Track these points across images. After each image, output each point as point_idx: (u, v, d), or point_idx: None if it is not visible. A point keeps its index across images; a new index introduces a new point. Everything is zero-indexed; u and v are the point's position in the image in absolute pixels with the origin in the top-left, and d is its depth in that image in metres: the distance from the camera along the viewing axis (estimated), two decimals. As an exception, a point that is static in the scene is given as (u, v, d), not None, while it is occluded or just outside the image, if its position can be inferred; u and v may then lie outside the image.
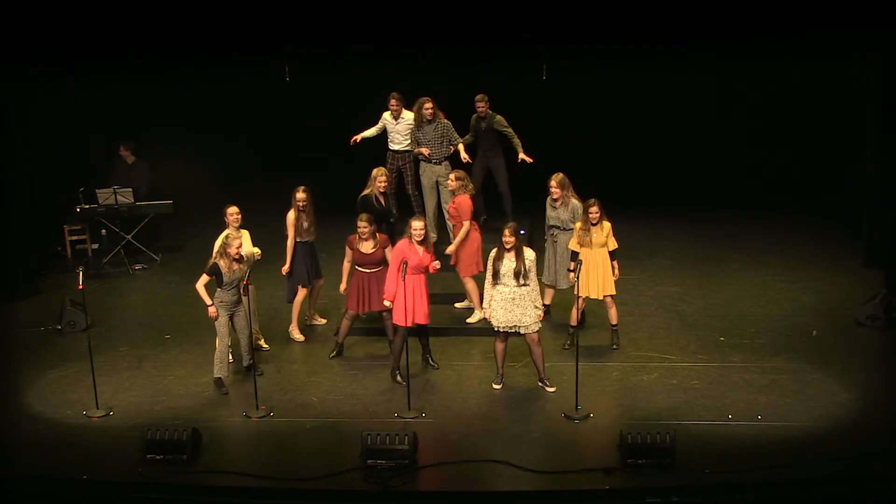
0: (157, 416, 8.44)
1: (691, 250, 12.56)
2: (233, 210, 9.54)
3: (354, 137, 11.07)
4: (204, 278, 8.80)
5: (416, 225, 8.93)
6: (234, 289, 8.89)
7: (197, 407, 8.71)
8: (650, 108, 13.83)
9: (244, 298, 8.96)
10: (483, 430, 8.19)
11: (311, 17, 10.78)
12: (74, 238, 13.17)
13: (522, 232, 9.31)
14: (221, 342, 8.93)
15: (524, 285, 8.59)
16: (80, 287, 8.63)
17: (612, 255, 9.41)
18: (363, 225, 9.26)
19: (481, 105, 11.16)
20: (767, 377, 8.87)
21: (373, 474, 7.48)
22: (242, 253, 8.96)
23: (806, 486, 7.30)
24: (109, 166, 12.91)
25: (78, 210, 12.49)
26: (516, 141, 11.22)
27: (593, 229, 9.30)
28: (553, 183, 9.70)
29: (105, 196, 12.37)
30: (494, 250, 8.70)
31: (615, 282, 9.47)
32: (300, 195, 9.78)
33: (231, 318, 8.96)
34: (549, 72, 11.41)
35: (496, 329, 8.75)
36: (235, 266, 8.85)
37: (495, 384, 8.99)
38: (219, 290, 8.86)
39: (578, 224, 9.42)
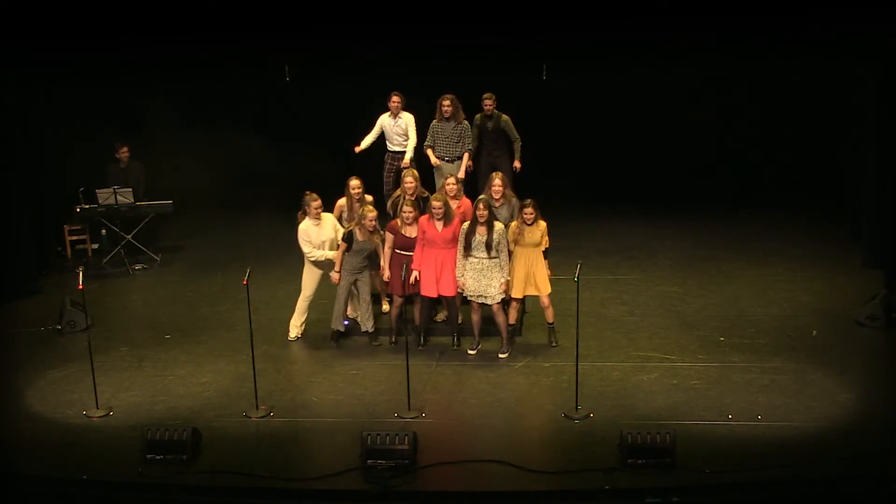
0: (157, 416, 8.44)
1: (691, 250, 12.55)
2: (315, 202, 9.72)
3: (357, 147, 11.03)
4: (342, 246, 9.59)
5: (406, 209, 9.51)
6: (359, 256, 9.58)
7: (197, 407, 8.71)
8: (650, 108, 13.83)
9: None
10: (483, 430, 8.18)
11: (311, 17, 10.80)
12: (74, 238, 13.17)
13: None
14: (338, 300, 9.75)
15: (494, 257, 9.13)
16: (80, 287, 8.62)
17: (545, 253, 9.49)
18: (409, 210, 9.52)
19: (488, 103, 11.15)
20: (767, 377, 8.86)
21: (373, 474, 7.48)
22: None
23: (806, 486, 7.29)
24: (106, 168, 12.90)
25: (78, 210, 12.49)
26: (517, 144, 11.26)
27: (527, 229, 9.36)
28: (497, 181, 9.78)
29: (105, 196, 12.37)
30: (466, 223, 9.29)
31: (549, 279, 9.54)
32: (353, 182, 9.93)
33: (355, 282, 9.70)
34: (550, 71, 11.42)
35: (467, 297, 9.43)
36: (367, 236, 9.53)
37: (470, 350, 9.61)
38: (346, 254, 9.58)
39: (514, 224, 9.47)
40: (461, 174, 10.84)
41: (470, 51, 11.78)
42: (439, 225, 9.39)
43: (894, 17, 10.12)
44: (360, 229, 9.54)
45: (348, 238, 9.58)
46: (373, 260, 9.77)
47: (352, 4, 10.83)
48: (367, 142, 11.08)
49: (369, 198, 10.08)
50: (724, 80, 13.74)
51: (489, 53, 11.93)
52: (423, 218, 9.48)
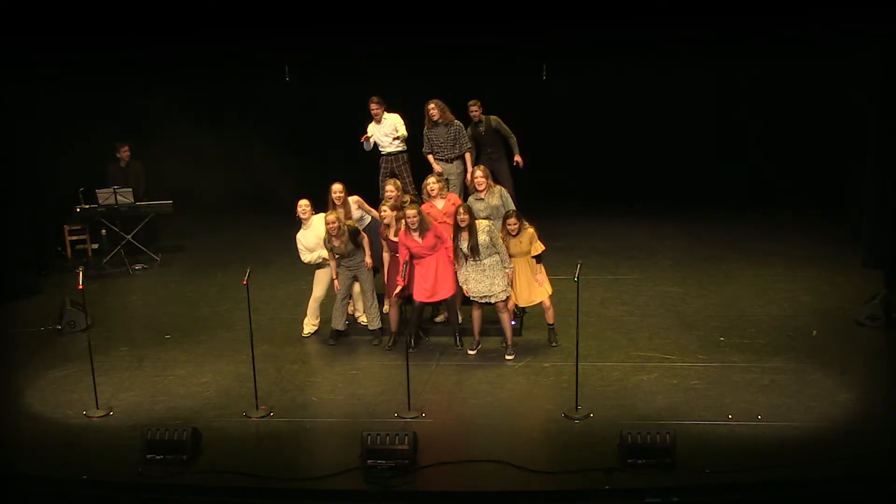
0: (157, 416, 8.44)
1: (691, 250, 12.56)
2: (303, 203, 9.95)
3: (363, 137, 11.04)
4: (330, 255, 9.76)
5: (410, 213, 9.37)
6: (347, 259, 9.72)
7: (197, 407, 8.71)
8: (650, 108, 13.84)
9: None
10: (483, 430, 8.18)
11: (311, 17, 10.79)
12: (74, 238, 13.19)
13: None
14: (338, 299, 9.86)
15: (492, 254, 9.18)
16: (80, 287, 8.62)
17: (538, 258, 9.49)
18: (385, 209, 9.66)
19: (474, 109, 11.13)
20: (767, 377, 8.86)
21: (373, 474, 7.48)
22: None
23: (806, 486, 7.29)
24: (106, 167, 12.91)
25: (78, 210, 12.50)
26: (513, 141, 11.25)
27: (513, 240, 9.37)
28: (479, 173, 9.91)
29: (105, 196, 12.37)
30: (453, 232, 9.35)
31: (547, 281, 9.55)
32: (334, 186, 9.97)
33: (355, 278, 9.81)
34: (550, 71, 11.41)
35: (472, 299, 9.41)
36: (336, 242, 9.58)
37: (470, 350, 9.59)
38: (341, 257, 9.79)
39: (500, 234, 9.48)
40: (468, 178, 10.84)
41: (470, 51, 11.77)
42: (416, 235, 9.35)
43: (894, 17, 10.11)
44: (327, 237, 9.63)
45: (328, 247, 9.70)
46: (361, 256, 9.81)
47: (352, 4, 10.82)
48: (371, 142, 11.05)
49: (354, 198, 10.11)
50: (724, 80, 13.75)
51: (489, 53, 11.93)
52: (402, 233, 9.43)
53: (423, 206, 9.89)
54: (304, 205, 9.95)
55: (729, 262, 12.04)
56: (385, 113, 10.90)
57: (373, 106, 10.86)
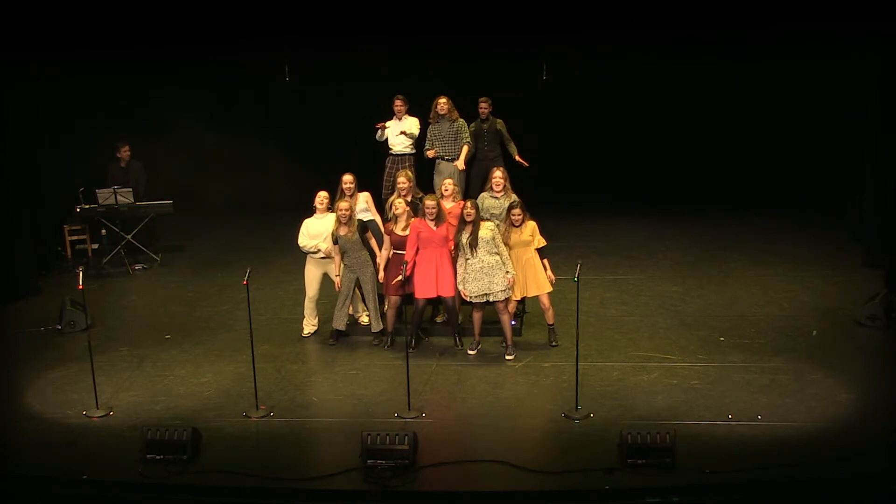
0: (157, 416, 8.44)
1: (691, 250, 12.57)
2: (322, 194, 10.00)
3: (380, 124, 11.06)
4: (335, 248, 9.70)
5: (429, 203, 9.41)
6: (352, 254, 9.67)
7: (197, 407, 8.71)
8: (650, 108, 13.85)
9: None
10: (483, 430, 8.18)
11: (311, 17, 10.80)
12: (74, 238, 13.19)
13: None
14: (339, 299, 9.85)
15: (493, 253, 9.17)
16: (80, 287, 8.62)
17: (542, 252, 9.51)
18: (397, 201, 9.64)
19: (484, 106, 11.16)
20: (767, 377, 8.86)
21: (373, 474, 7.48)
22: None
23: (806, 486, 7.29)
24: (107, 167, 12.91)
25: (78, 210, 12.51)
26: (512, 146, 11.27)
27: (514, 230, 9.41)
28: (498, 173, 9.97)
29: (105, 196, 12.38)
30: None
31: (551, 281, 9.55)
32: (345, 177, 10.05)
33: (358, 279, 9.79)
34: (550, 72, 11.43)
35: (469, 300, 9.34)
36: (343, 230, 9.56)
37: (470, 350, 9.59)
38: (343, 255, 9.74)
39: (502, 226, 9.51)
40: (461, 164, 10.83)
41: (470, 51, 11.78)
42: (432, 224, 9.40)
43: (894, 17, 10.12)
44: (336, 225, 9.64)
45: (335, 238, 9.69)
46: (364, 257, 9.80)
47: (352, 4, 10.82)
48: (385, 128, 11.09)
49: (366, 194, 10.17)
50: (724, 79, 13.75)
51: (489, 53, 11.93)
52: (416, 221, 9.48)
53: None
54: (322, 196, 10.00)
55: (729, 262, 12.04)
56: (406, 114, 10.97)
57: (397, 102, 10.96)
